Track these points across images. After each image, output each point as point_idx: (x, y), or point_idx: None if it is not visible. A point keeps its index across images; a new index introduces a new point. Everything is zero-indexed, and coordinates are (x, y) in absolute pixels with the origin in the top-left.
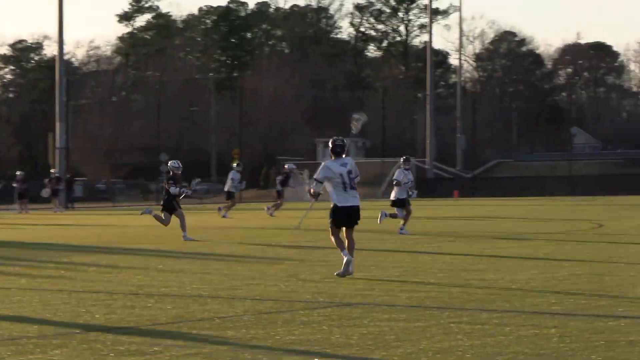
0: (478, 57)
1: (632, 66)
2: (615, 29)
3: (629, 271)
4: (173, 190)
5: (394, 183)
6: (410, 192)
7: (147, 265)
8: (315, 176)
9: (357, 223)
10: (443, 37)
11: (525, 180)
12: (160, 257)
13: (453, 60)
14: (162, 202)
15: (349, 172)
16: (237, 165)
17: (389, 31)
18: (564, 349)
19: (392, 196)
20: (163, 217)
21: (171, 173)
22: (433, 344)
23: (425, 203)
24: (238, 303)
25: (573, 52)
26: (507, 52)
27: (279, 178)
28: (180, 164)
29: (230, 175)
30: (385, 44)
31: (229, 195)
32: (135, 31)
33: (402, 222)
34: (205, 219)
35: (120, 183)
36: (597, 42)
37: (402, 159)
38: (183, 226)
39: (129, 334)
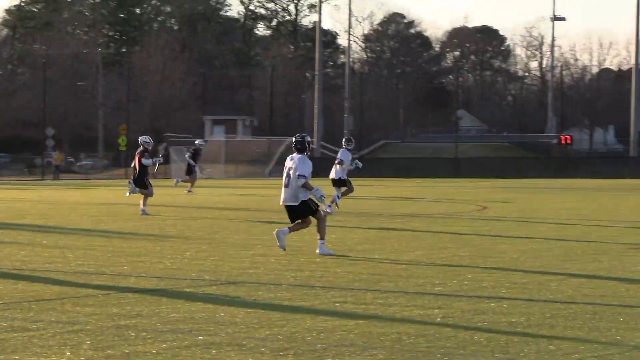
0: (367, 38)
1: (518, 50)
2: (502, 13)
3: (512, 253)
4: (146, 161)
5: (337, 162)
6: (357, 167)
7: (32, 241)
8: None
9: (304, 217)
10: (332, 18)
11: (411, 161)
12: (45, 232)
13: (342, 41)
14: (134, 177)
15: (289, 168)
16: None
17: (279, 10)
18: (446, 329)
19: (333, 175)
20: (147, 190)
21: (142, 147)
22: (318, 323)
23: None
24: (123, 280)
25: (460, 36)
26: (396, 33)
27: (188, 154)
28: (150, 139)
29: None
30: (274, 22)
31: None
32: (22, 4)
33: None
34: (92, 195)
35: (4, 157)
36: (484, 25)
37: (344, 139)
38: (144, 201)
39: (12, 310)
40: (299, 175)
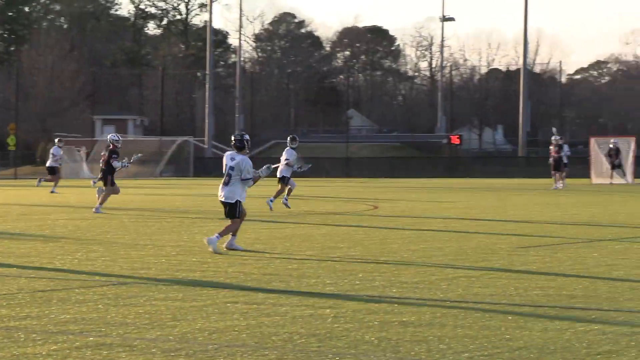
0: (257, 38)
1: (408, 50)
2: (392, 13)
3: (403, 253)
4: (116, 164)
5: (286, 162)
6: (302, 167)
7: None
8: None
9: (231, 217)
10: (223, 17)
11: (302, 161)
12: None
13: (233, 40)
14: (101, 175)
15: (231, 168)
16: (59, 141)
17: (169, 9)
18: (338, 329)
19: (279, 174)
20: (113, 189)
21: (111, 146)
22: (209, 323)
23: (203, 182)
24: (12, 281)
25: (351, 36)
26: (286, 33)
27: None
28: (120, 137)
29: (52, 150)
30: (165, 22)
31: (52, 171)
32: None
33: (285, 194)
34: None
35: None
36: (375, 26)
37: (289, 137)
38: (103, 200)
39: None
40: (246, 179)
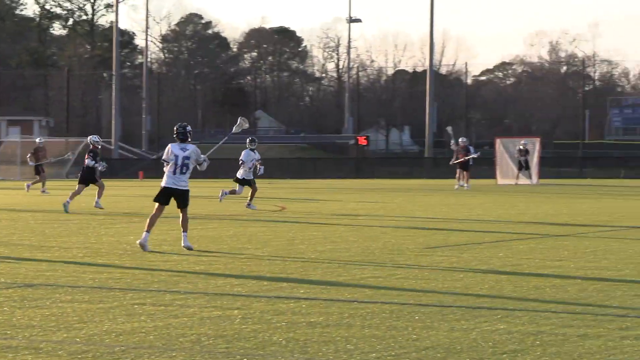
0: (164, 39)
1: (315, 51)
2: (298, 14)
3: (310, 254)
4: (89, 162)
5: (240, 163)
6: (257, 170)
7: None
8: (163, 157)
9: (185, 205)
10: (130, 18)
11: (211, 162)
12: None
13: (139, 41)
14: (79, 175)
15: (186, 158)
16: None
17: (75, 9)
18: (246, 330)
19: (239, 175)
20: (77, 189)
21: (91, 146)
22: (116, 325)
23: (111, 184)
24: None
25: (258, 37)
26: (193, 34)
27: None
28: (99, 138)
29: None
30: (70, 22)
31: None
32: None
33: (248, 198)
34: None
35: None
36: (281, 27)
37: (248, 139)
38: (99, 194)
39: None
40: (201, 161)
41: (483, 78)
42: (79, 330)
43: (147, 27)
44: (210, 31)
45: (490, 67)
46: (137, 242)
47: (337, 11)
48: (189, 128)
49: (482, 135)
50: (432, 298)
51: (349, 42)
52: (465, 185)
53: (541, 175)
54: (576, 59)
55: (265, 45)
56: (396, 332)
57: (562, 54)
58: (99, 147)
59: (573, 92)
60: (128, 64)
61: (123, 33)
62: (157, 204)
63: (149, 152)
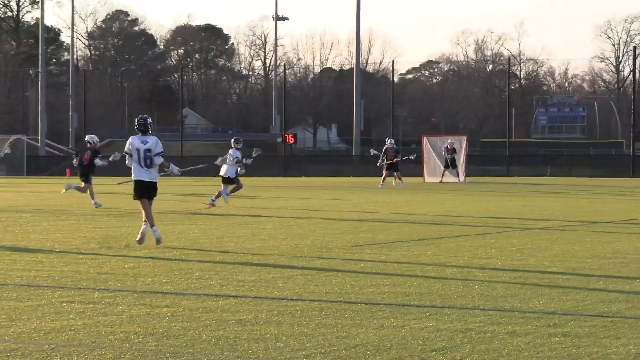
0: (90, 35)
1: (242, 49)
2: (225, 11)
3: (239, 251)
4: (98, 162)
5: (235, 162)
6: (239, 170)
7: None
8: (124, 150)
9: (153, 196)
10: (55, 14)
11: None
12: None
13: (65, 38)
14: (81, 172)
15: (147, 150)
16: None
17: (0, 6)
18: (175, 327)
19: (223, 172)
20: (83, 186)
21: (92, 145)
22: (45, 323)
23: (37, 181)
24: None
25: (185, 34)
26: (120, 31)
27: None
28: (97, 137)
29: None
30: None
31: None
32: None
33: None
34: None
35: None
36: (208, 24)
37: (233, 140)
38: (92, 193)
39: None
40: (158, 153)
41: (410, 76)
42: (7, 329)
43: (73, 24)
44: (136, 28)
45: (417, 65)
46: (139, 236)
47: (264, 9)
48: (149, 120)
49: (409, 134)
50: (361, 296)
51: (276, 40)
52: (402, 183)
53: (468, 174)
54: (502, 58)
55: (192, 43)
56: (325, 330)
57: (488, 53)
58: (97, 145)
59: (499, 91)
60: (54, 60)
61: (49, 30)
62: (139, 201)
63: (76, 149)
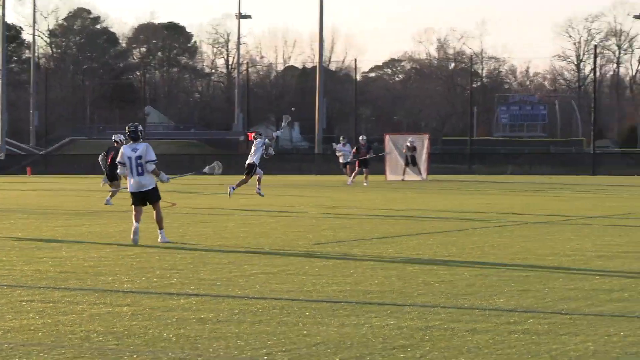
0: (52, 33)
1: (205, 47)
2: (188, 9)
3: (200, 249)
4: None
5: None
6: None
7: None
8: (117, 159)
9: (155, 200)
10: (16, 12)
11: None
12: None
13: (26, 36)
14: (107, 173)
15: (138, 158)
16: None
17: None
18: (136, 326)
19: (250, 160)
20: (115, 186)
21: (117, 144)
22: (4, 322)
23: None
24: None
25: (147, 32)
26: (82, 29)
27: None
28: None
29: None
30: None
31: None
32: None
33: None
34: None
35: None
36: (171, 22)
37: (253, 134)
38: (114, 192)
39: None
40: (149, 161)
41: (372, 74)
42: None
43: (34, 22)
44: (98, 26)
45: (380, 63)
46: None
47: (226, 7)
48: (140, 127)
49: (372, 132)
50: (322, 294)
51: (239, 38)
52: (365, 182)
53: (430, 172)
54: (464, 56)
55: (154, 41)
56: (287, 328)
57: (450, 51)
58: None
59: (461, 89)
60: (15, 58)
61: (10, 28)
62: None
63: (37, 148)
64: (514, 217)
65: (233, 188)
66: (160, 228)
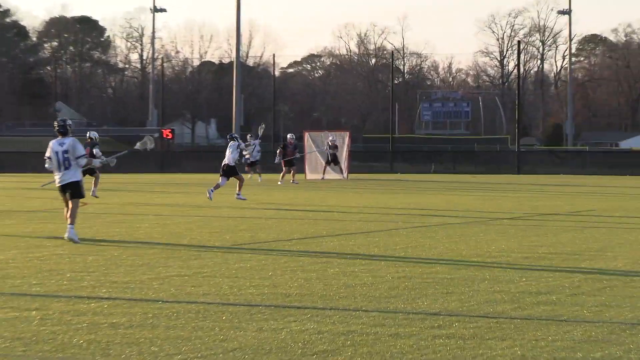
0: None
1: (118, 42)
2: (101, 3)
3: (113, 251)
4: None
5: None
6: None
7: None
8: (45, 154)
9: (75, 196)
10: None
11: (8, 155)
12: None
13: None
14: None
15: (64, 152)
16: None
17: None
18: (45, 331)
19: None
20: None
21: (90, 140)
22: None
23: None
24: None
25: (59, 26)
26: None
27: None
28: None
29: None
30: None
31: None
32: None
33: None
34: None
35: None
36: (84, 16)
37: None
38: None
39: None
40: (80, 156)
41: (291, 70)
42: None
43: None
44: (8, 19)
45: (299, 59)
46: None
47: (141, 0)
48: (68, 122)
49: (291, 129)
50: (239, 297)
51: (153, 32)
52: (281, 181)
53: (351, 170)
54: (385, 52)
55: (66, 35)
56: (202, 333)
57: (371, 47)
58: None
59: (383, 85)
60: None
61: None
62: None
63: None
64: (438, 217)
65: (212, 191)
66: (71, 223)
